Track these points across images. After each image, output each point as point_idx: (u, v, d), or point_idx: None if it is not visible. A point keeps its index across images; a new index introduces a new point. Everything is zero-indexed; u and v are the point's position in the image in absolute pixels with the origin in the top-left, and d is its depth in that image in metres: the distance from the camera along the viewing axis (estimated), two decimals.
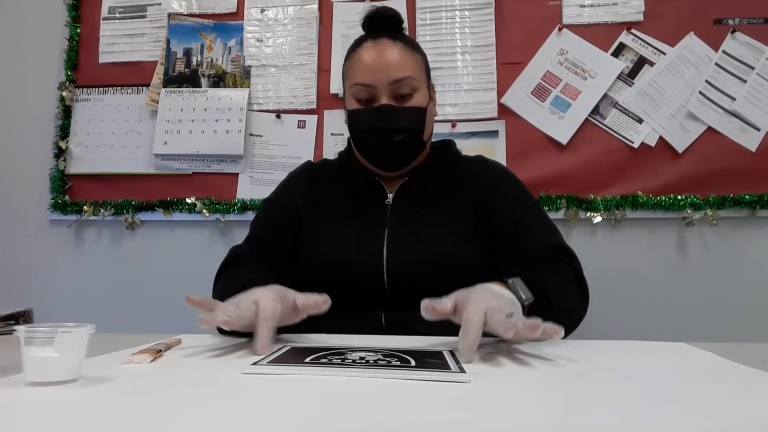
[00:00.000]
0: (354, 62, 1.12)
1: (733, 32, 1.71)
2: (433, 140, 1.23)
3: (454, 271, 1.02)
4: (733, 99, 1.70)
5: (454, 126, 1.78)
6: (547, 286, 0.91)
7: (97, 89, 1.96)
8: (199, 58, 1.92)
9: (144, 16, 1.97)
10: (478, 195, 1.12)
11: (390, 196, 1.13)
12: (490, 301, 0.77)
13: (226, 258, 1.12)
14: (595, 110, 1.75)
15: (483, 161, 1.23)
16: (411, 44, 1.14)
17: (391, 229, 1.08)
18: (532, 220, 1.12)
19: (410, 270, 1.03)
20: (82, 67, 1.97)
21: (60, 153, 1.93)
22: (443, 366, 0.64)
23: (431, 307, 0.77)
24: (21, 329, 0.54)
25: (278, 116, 1.87)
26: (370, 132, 1.09)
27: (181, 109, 1.89)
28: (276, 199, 1.22)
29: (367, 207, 1.13)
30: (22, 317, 1.03)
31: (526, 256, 1.03)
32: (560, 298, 0.94)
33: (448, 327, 0.90)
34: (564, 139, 1.74)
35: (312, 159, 1.83)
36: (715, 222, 1.67)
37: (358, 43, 1.14)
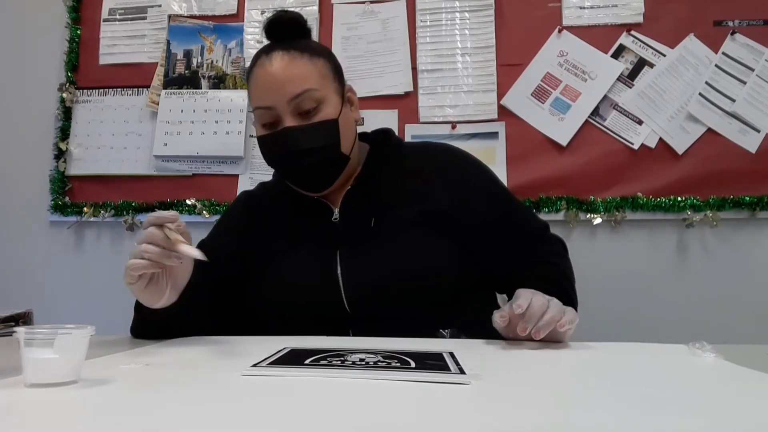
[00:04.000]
0: (251, 83, 1.02)
1: (732, 34, 1.71)
2: (371, 131, 1.14)
3: (419, 283, 0.96)
4: (733, 100, 1.70)
5: (454, 127, 1.78)
6: (565, 276, 0.99)
7: (97, 90, 1.96)
8: (199, 60, 1.92)
9: (144, 18, 1.97)
10: (438, 198, 1.03)
11: (336, 211, 1.04)
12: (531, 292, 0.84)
13: None
14: (595, 112, 1.75)
15: (433, 151, 1.12)
16: (309, 50, 1.01)
17: (343, 250, 1.00)
18: (512, 214, 1.09)
19: (370, 292, 0.96)
20: (83, 69, 1.97)
21: (60, 154, 1.94)
22: (443, 367, 0.64)
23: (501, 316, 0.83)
24: (21, 331, 0.54)
25: None
26: (279, 158, 1.01)
27: (181, 111, 1.90)
28: (210, 243, 1.11)
29: (313, 229, 1.04)
30: (22, 319, 1.03)
31: (518, 249, 1.04)
32: (569, 277, 1.05)
33: (417, 333, 0.90)
34: (564, 141, 1.74)
35: None
36: (715, 223, 1.66)
37: (254, 61, 1.03)
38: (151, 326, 0.91)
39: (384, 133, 1.12)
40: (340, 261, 0.99)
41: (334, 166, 1.02)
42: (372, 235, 1.00)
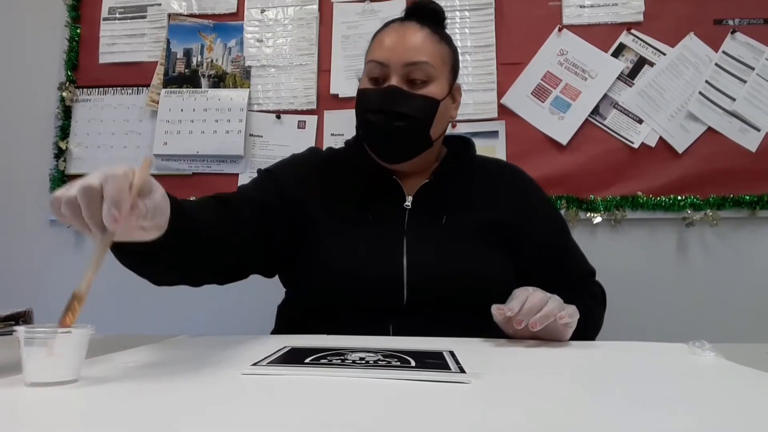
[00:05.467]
0: (375, 41, 1.07)
1: (733, 32, 1.71)
2: (451, 135, 1.17)
3: (479, 287, 0.98)
4: (733, 99, 1.70)
5: (454, 126, 1.78)
6: (590, 315, 0.98)
7: (97, 89, 1.96)
8: (199, 59, 1.92)
9: (144, 17, 1.97)
10: (504, 213, 1.06)
11: (409, 199, 1.06)
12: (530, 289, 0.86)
13: None
14: (595, 110, 1.75)
15: (506, 167, 1.19)
16: (440, 34, 1.07)
17: (410, 238, 1.01)
18: (568, 249, 1.13)
19: (434, 285, 0.97)
20: (82, 68, 1.97)
21: (60, 153, 1.93)
22: (443, 366, 0.64)
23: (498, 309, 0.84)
24: (21, 330, 0.54)
25: (278, 117, 1.87)
26: (372, 112, 1.02)
27: (181, 110, 1.89)
28: (278, 173, 1.09)
29: (383, 210, 1.05)
30: (22, 318, 1.03)
31: (561, 282, 1.02)
32: (594, 321, 1.04)
33: (457, 334, 0.90)
34: (564, 140, 1.74)
35: None
36: (715, 222, 1.66)
37: (387, 23, 1.08)
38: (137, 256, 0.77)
39: (465, 141, 1.16)
40: (406, 247, 1.00)
41: (417, 143, 1.05)
42: (441, 231, 1.03)
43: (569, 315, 0.83)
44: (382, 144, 1.05)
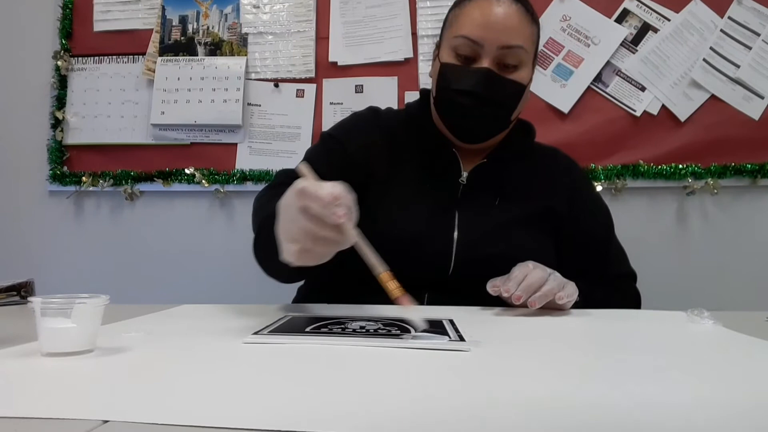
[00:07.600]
0: (465, 12, 0.99)
1: None
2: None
3: None
4: (738, 66, 1.67)
5: None
6: (603, 301, 0.94)
7: (92, 58, 1.93)
8: (195, 26, 1.89)
9: None
10: (558, 201, 1.06)
11: (464, 174, 1.04)
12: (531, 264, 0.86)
13: (272, 180, 1.01)
14: (598, 78, 1.72)
15: (563, 157, 1.18)
16: (531, 13, 1.01)
17: (462, 212, 1.00)
18: (612, 247, 1.12)
19: (482, 262, 0.95)
20: (77, 36, 1.94)
21: (57, 123, 1.92)
22: (443, 334, 0.64)
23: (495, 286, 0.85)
24: (37, 300, 0.54)
25: (276, 85, 1.85)
26: (461, 93, 0.97)
27: (178, 78, 1.87)
28: (342, 138, 1.06)
29: (438, 180, 1.03)
30: (24, 288, 1.03)
31: (599, 277, 1.01)
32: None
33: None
34: (566, 108, 1.72)
35: (311, 129, 1.81)
36: (715, 191, 1.66)
37: None
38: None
39: (526, 125, 1.12)
40: (458, 222, 1.00)
41: (498, 126, 1.04)
42: (493, 211, 1.02)
43: (567, 295, 0.84)
44: (464, 125, 1.02)
